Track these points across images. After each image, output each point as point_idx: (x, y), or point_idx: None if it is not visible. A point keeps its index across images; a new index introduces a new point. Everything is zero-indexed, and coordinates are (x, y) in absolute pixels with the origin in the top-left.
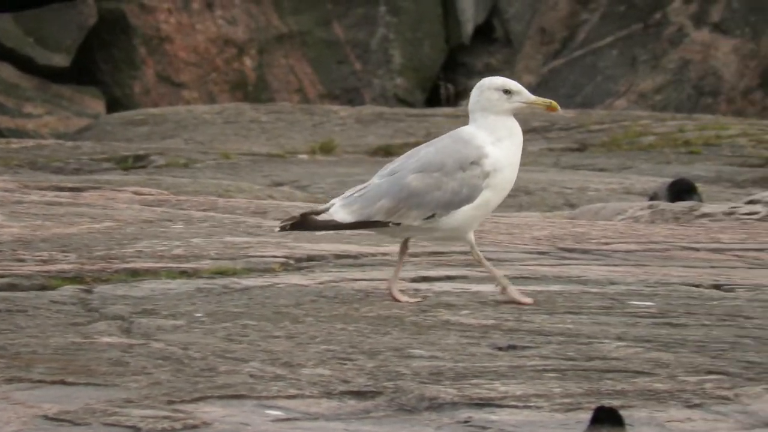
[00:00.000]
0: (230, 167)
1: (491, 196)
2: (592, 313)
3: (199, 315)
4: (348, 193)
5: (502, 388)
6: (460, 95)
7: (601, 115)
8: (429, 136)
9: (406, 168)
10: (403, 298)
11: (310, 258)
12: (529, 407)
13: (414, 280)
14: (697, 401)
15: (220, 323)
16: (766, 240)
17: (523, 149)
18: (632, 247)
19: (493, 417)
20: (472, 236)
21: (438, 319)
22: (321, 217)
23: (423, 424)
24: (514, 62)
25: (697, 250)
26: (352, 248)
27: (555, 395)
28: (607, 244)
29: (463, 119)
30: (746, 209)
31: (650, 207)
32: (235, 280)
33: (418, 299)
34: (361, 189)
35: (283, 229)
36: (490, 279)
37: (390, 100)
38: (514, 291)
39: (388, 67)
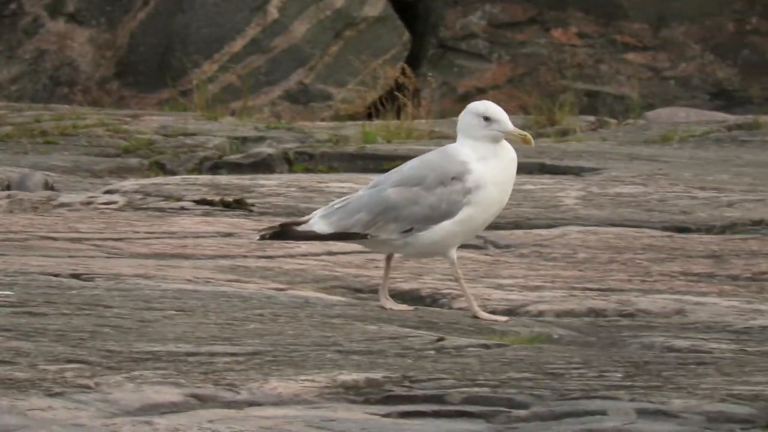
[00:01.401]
0: None
1: (474, 212)
2: None
3: None
4: (330, 204)
5: None
6: None
7: None
8: None
9: (388, 181)
10: (395, 306)
11: None
12: None
13: None
14: (58, 390)
15: None
16: (125, 229)
17: None
18: None
19: None
20: (453, 253)
21: None
22: (301, 228)
23: None
24: None
25: (56, 239)
26: None
27: None
28: None
29: None
30: (104, 199)
31: (8, 197)
32: None
33: (411, 307)
34: (343, 201)
35: (262, 238)
36: (464, 300)
37: None
38: (485, 315)
39: None
